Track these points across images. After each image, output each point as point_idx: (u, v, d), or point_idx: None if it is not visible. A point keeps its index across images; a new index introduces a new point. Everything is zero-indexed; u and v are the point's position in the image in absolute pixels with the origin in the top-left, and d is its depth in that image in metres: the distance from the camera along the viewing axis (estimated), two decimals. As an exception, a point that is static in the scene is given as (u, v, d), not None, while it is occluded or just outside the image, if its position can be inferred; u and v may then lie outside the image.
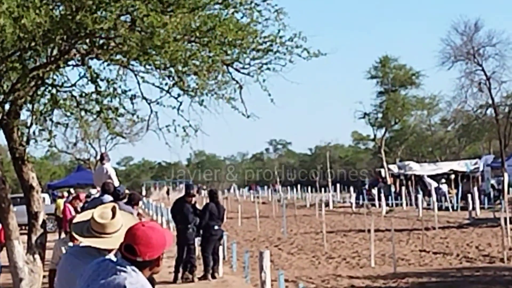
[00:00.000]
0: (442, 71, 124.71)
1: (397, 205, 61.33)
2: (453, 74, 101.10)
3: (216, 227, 23.19)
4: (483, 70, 64.11)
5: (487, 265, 24.28)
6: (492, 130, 75.00)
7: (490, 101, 66.76)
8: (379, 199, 61.14)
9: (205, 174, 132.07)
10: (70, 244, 10.12)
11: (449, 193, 60.97)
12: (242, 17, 16.55)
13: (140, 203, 28.37)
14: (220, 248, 24.09)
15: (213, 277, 23.07)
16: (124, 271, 5.28)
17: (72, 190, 48.51)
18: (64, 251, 8.81)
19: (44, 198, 34.53)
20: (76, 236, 6.06)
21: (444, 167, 76.27)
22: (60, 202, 37.53)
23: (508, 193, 51.55)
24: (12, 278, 16.86)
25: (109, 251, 6.33)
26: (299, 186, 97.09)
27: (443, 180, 67.49)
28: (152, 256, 5.34)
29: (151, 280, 6.29)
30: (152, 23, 14.67)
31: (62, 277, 6.01)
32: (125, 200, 18.55)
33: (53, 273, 9.47)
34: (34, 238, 17.10)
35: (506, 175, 55.84)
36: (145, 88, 17.62)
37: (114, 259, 5.45)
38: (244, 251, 24.88)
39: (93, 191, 32.89)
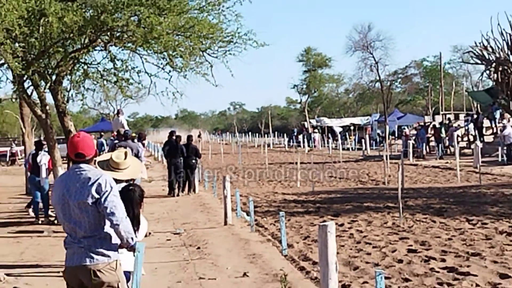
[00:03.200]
0: (346, 57, 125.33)
1: (315, 146, 61.62)
2: (353, 59, 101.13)
3: (193, 161, 23.40)
4: (373, 57, 65.76)
5: (374, 186, 24.48)
6: (379, 97, 75.91)
7: (377, 78, 68.29)
8: (303, 142, 61.33)
9: (187, 124, 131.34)
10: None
11: (349, 138, 61.41)
12: (212, 19, 16.66)
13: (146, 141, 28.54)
14: (196, 174, 24.22)
15: (194, 191, 23.42)
16: (83, 169, 5.51)
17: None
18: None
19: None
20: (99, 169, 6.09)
21: (347, 121, 77.75)
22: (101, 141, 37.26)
23: (388, 139, 52.03)
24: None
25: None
26: (250, 133, 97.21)
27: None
28: (92, 153, 5.61)
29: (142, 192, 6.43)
30: (152, 22, 14.72)
31: (55, 192, 6.00)
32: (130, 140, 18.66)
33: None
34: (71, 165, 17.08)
35: (387, 127, 56.49)
36: (147, 66, 17.67)
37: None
38: (213, 176, 25.04)
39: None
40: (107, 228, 5.37)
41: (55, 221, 16.45)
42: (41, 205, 17.40)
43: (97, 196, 5.29)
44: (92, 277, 5.29)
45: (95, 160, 5.94)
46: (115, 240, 5.44)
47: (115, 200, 5.33)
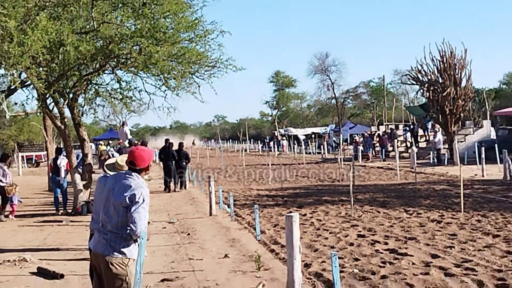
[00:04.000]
0: (308, 79, 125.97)
1: (283, 151, 61.72)
2: (314, 81, 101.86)
3: (184, 163, 23.37)
4: (330, 79, 66.40)
5: (330, 183, 24.45)
6: (334, 111, 76.22)
7: (333, 96, 68.90)
8: (273, 148, 61.48)
9: (179, 133, 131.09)
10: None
11: (311, 144, 61.46)
12: (200, 48, 16.61)
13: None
14: (187, 174, 24.19)
15: (185, 188, 23.32)
16: (131, 176, 5.49)
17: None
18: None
19: (91, 146, 33.95)
20: (107, 171, 6.09)
21: (309, 130, 78.05)
22: (101, 147, 36.88)
23: (342, 145, 52.15)
24: (74, 190, 16.76)
25: None
26: (230, 140, 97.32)
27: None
28: (144, 165, 5.58)
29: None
30: (150, 51, 14.63)
31: (99, 186, 6.02)
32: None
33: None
34: (85, 167, 17.11)
35: (341, 135, 56.66)
36: (146, 86, 17.66)
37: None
38: (200, 175, 25.01)
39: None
40: (129, 230, 5.35)
41: (72, 213, 16.47)
42: (60, 199, 17.63)
43: (129, 203, 5.29)
44: (106, 266, 5.31)
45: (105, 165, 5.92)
46: (132, 241, 5.47)
47: (142, 212, 5.30)
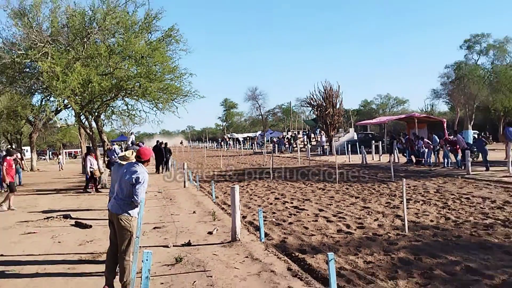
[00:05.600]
0: (245, 102, 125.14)
1: (229, 147, 61.38)
2: (248, 104, 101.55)
3: (168, 155, 23.02)
4: (258, 103, 65.38)
5: (258, 166, 24.00)
6: (260, 123, 75.44)
7: (260, 114, 68.18)
8: (224, 146, 61.02)
9: (165, 138, 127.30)
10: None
11: (246, 143, 61.15)
12: (178, 84, 16.55)
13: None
14: (170, 161, 23.67)
15: (168, 171, 22.69)
16: (137, 165, 5.39)
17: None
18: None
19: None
20: (119, 161, 6.07)
21: (245, 135, 76.96)
22: (115, 147, 36.03)
23: (265, 143, 51.98)
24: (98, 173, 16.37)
25: None
26: (197, 141, 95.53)
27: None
28: (146, 158, 5.48)
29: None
30: (146, 86, 14.59)
31: (115, 170, 6.04)
32: (135, 145, 18.29)
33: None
34: (105, 159, 16.74)
35: (265, 138, 56.04)
36: (144, 107, 17.55)
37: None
38: (178, 163, 24.50)
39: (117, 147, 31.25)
40: (133, 199, 5.25)
41: (87, 188, 16.00)
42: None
43: (134, 182, 5.19)
44: (117, 221, 5.22)
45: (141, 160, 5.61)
46: (135, 206, 5.32)
47: (141, 189, 5.19)
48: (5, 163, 12.38)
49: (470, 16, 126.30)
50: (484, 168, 16.55)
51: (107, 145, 18.13)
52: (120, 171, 5.53)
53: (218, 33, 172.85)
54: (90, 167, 15.18)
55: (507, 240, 6.91)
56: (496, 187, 12.34)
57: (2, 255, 7.16)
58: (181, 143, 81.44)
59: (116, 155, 14.68)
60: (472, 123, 44.64)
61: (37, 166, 31.04)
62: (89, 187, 15.46)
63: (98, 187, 15.88)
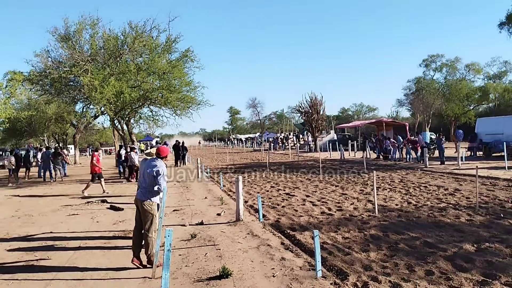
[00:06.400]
0: (247, 109, 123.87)
1: (234, 146, 61.15)
2: (249, 111, 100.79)
3: (185, 152, 22.74)
4: (257, 110, 64.86)
5: (258, 161, 23.96)
6: (259, 126, 75.68)
7: (259, 119, 67.81)
8: (230, 145, 60.57)
9: (182, 138, 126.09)
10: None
11: (248, 142, 60.87)
12: (192, 95, 16.46)
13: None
14: (186, 157, 23.47)
15: (185, 164, 22.39)
16: (157, 160, 5.23)
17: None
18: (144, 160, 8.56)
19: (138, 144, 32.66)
20: (146, 157, 5.98)
21: (247, 136, 76.21)
22: (141, 145, 35.86)
23: (263, 143, 51.65)
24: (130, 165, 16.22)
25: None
26: (209, 141, 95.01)
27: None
28: (164, 155, 5.35)
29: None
30: (167, 96, 14.52)
31: (142, 164, 5.99)
32: (158, 145, 18.08)
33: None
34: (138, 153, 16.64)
35: (263, 138, 55.79)
36: (166, 113, 17.40)
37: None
38: (192, 158, 24.33)
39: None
40: (155, 188, 5.13)
41: (129, 178, 15.91)
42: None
43: (155, 174, 5.07)
44: (141, 206, 5.13)
45: (153, 154, 5.64)
46: (157, 193, 5.22)
47: (162, 179, 5.07)
48: (94, 158, 12.07)
49: (427, 39, 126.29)
50: (439, 162, 16.55)
51: (129, 146, 17.92)
52: (144, 166, 5.41)
53: (226, 47, 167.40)
54: (132, 161, 14.84)
55: (457, 220, 6.91)
56: (448, 178, 12.33)
57: (51, 232, 7.16)
58: (199, 143, 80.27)
59: (133, 161, 14.53)
60: (429, 126, 45.46)
61: (79, 161, 31.08)
62: (131, 177, 15.29)
63: (122, 177, 15.75)
